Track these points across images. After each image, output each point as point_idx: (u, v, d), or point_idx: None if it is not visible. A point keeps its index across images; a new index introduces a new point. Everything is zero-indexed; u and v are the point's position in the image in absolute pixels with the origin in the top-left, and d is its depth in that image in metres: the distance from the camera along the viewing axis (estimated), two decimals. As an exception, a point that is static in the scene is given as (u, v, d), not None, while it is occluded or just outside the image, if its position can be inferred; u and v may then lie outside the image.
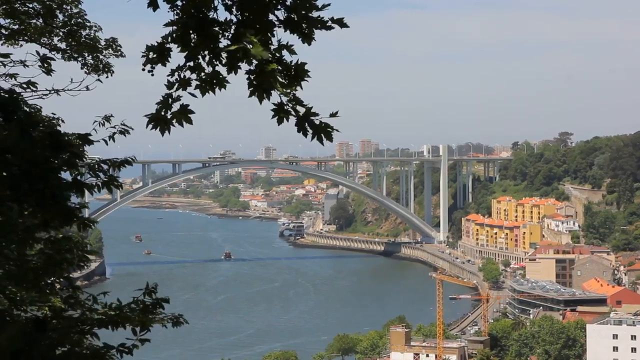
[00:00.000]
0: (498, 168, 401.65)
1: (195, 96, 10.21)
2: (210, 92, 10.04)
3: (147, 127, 10.13)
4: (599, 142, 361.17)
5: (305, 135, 9.73)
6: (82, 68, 14.87)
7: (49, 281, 10.90)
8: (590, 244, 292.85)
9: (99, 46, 15.28)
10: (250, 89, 9.74)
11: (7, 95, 10.17)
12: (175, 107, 10.09)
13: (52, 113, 11.54)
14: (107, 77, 12.54)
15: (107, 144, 11.89)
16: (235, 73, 9.88)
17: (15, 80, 12.29)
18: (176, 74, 9.98)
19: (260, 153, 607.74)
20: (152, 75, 10.85)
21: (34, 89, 11.77)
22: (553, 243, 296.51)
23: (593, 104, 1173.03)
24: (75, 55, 15.01)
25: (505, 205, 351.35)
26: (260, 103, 9.80)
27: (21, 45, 14.19)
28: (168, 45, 9.95)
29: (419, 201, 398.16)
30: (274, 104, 9.73)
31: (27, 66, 12.80)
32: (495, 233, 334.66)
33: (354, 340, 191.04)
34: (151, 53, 10.00)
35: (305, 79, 9.78)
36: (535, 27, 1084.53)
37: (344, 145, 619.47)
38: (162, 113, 10.07)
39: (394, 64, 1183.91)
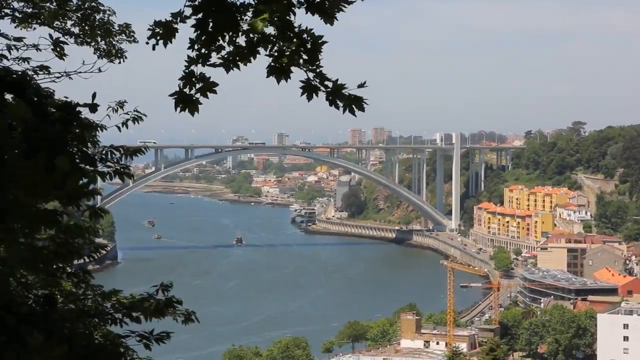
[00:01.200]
0: (511, 157, 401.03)
1: (216, 66, 10.08)
2: (234, 68, 9.98)
3: (175, 109, 10.01)
4: (612, 132, 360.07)
5: (338, 107, 9.71)
6: (94, 53, 14.84)
7: (60, 266, 10.89)
8: (602, 233, 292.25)
9: (113, 30, 15.24)
10: (268, 70, 9.70)
11: (18, 78, 10.15)
12: (199, 83, 10.03)
13: (65, 97, 11.51)
14: (119, 62, 12.53)
15: (120, 131, 11.87)
16: (255, 58, 9.82)
17: (28, 64, 12.27)
18: (196, 45, 9.87)
19: (273, 139, 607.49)
20: (153, 49, 10.75)
21: (47, 72, 11.76)
22: (565, 232, 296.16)
23: (607, 94, 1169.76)
24: (89, 40, 14.97)
25: (517, 194, 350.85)
26: (278, 83, 9.75)
27: (34, 29, 14.16)
28: (176, 25, 9.88)
29: (431, 189, 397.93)
30: (302, 81, 9.70)
31: (40, 50, 12.78)
32: (507, 222, 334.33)
33: (364, 327, 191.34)
34: (158, 28, 9.93)
35: (321, 50, 9.74)
36: (551, 16, 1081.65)
37: (357, 133, 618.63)
38: (188, 91, 9.99)
39: (407, 52, 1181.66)
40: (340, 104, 9.71)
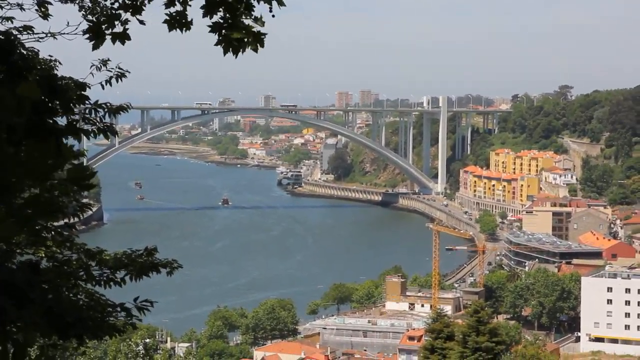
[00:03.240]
0: (497, 120, 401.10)
1: (144, 23, 10.08)
2: (177, 29, 9.94)
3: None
4: (599, 96, 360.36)
5: (236, 51, 9.56)
6: (79, 11, 14.73)
7: (45, 224, 10.89)
8: (587, 197, 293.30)
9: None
10: (219, 39, 9.61)
11: (2, 38, 10.11)
12: (119, 28, 10.01)
13: (50, 55, 11.46)
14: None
15: (103, 88, 11.83)
16: (211, 18, 9.69)
17: (12, 23, 12.20)
18: None
19: (260, 101, 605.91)
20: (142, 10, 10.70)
21: (30, 32, 11.70)
22: (550, 196, 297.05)
23: (594, 58, 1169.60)
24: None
25: (503, 158, 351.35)
26: (224, 55, 9.64)
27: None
28: None
29: (417, 152, 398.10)
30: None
31: (24, 9, 12.69)
32: (493, 185, 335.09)
33: (349, 289, 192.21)
34: None
35: (280, 5, 9.60)
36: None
37: (344, 95, 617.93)
38: (103, 28, 9.97)
39: (394, 14, 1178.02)
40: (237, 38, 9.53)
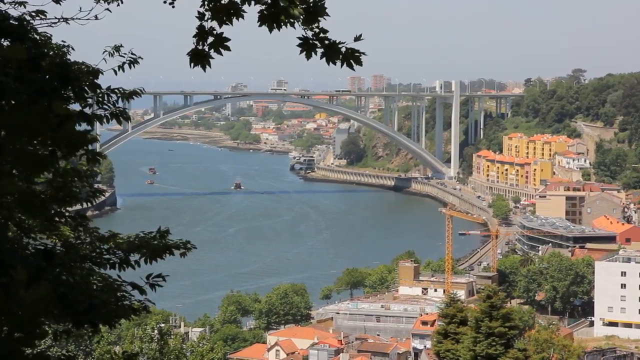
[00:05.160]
0: (510, 104, 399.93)
1: (230, 23, 10.20)
2: (227, 23, 10.02)
3: (190, 65, 10.22)
4: (612, 80, 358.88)
5: (335, 63, 9.78)
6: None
7: (58, 210, 10.89)
8: (601, 181, 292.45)
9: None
10: (260, 17, 9.72)
11: (15, 23, 10.09)
12: (210, 38, 10.12)
13: (62, 41, 11.44)
14: (117, 5, 12.41)
15: (116, 74, 11.83)
16: (249, 4, 9.83)
17: (25, 8, 12.18)
18: (206, 2, 9.96)
19: (272, 86, 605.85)
20: (173, 7, 10.74)
21: (43, 17, 11.68)
22: (564, 180, 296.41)
23: (607, 41, 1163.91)
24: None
25: (516, 142, 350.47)
26: (270, 32, 9.78)
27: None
28: None
29: (430, 137, 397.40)
30: (299, 38, 9.75)
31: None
32: (506, 169, 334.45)
33: (362, 274, 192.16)
34: None
35: (324, 17, 9.76)
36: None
37: (356, 80, 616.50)
38: (200, 47, 10.10)
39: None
40: (339, 60, 9.80)
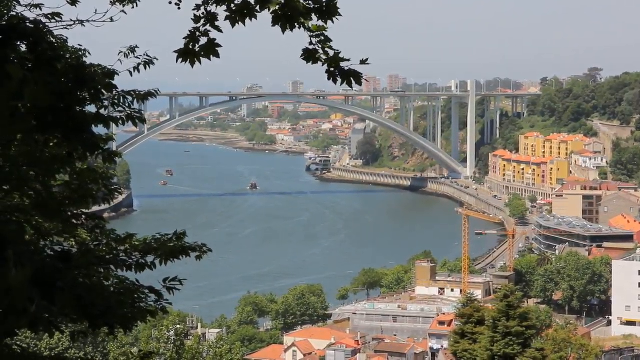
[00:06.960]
0: (526, 104, 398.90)
1: (222, 31, 10.24)
2: (240, 23, 10.04)
3: (177, 61, 10.30)
4: (629, 78, 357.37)
5: (335, 82, 9.83)
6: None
7: (75, 212, 10.92)
8: (617, 180, 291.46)
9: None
10: (274, 17, 9.74)
11: (32, 26, 10.11)
12: (203, 41, 10.12)
13: (79, 44, 11.45)
14: (132, 7, 12.41)
15: (131, 75, 11.83)
16: (262, 8, 9.85)
17: (41, 10, 12.19)
18: (202, 8, 9.99)
19: (288, 87, 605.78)
20: (179, 8, 10.76)
21: (59, 19, 11.69)
22: (580, 179, 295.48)
23: (623, 40, 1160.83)
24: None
25: (532, 141, 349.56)
26: (283, 33, 9.80)
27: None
28: None
29: (446, 136, 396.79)
30: (304, 49, 9.79)
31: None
32: (523, 169, 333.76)
33: (379, 274, 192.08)
34: None
35: (336, 17, 9.76)
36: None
37: (372, 80, 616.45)
38: (190, 47, 10.12)
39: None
40: (339, 78, 9.85)
